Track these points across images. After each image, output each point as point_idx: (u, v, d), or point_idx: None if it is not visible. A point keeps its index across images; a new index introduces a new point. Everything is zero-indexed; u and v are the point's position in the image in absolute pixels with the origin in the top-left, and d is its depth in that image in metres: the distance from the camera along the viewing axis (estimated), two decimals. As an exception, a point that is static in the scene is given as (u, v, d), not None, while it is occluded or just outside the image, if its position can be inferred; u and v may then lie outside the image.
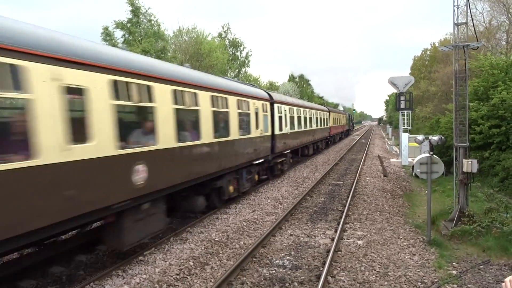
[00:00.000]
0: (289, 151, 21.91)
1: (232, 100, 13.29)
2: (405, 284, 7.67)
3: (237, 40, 51.37)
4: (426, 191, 11.27)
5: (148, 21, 34.01)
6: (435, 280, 7.90)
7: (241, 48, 51.81)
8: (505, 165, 16.83)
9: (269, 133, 17.86)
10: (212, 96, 11.60)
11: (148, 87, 8.29)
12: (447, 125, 21.48)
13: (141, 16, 33.46)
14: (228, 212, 13.10)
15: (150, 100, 8.36)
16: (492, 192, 13.20)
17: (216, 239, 10.25)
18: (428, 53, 56.88)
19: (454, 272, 8.45)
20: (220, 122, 12.30)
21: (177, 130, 9.35)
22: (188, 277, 7.96)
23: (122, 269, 8.22)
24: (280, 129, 19.68)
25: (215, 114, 11.73)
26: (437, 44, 48.12)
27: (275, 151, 18.71)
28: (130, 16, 33.08)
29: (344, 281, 7.77)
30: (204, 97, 11.03)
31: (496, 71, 19.96)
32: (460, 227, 10.78)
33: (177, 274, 8.01)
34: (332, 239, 10.13)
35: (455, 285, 7.74)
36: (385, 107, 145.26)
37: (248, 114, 14.89)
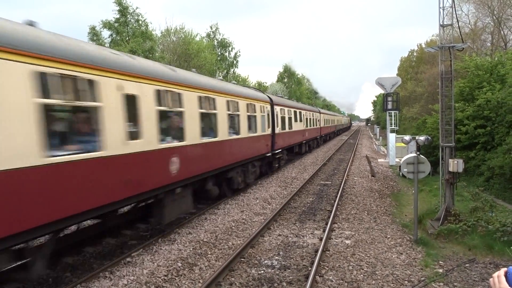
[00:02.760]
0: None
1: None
2: (393, 283, 7.74)
3: (225, 41, 51.22)
4: (413, 191, 11.38)
5: (136, 21, 33.78)
6: (422, 279, 7.99)
7: (230, 48, 51.68)
8: (490, 164, 17.08)
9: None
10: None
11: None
12: (433, 126, 21.74)
13: (128, 16, 33.23)
14: (216, 212, 13.08)
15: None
16: (477, 192, 13.35)
17: (204, 239, 10.22)
18: (414, 54, 57.46)
19: (441, 270, 8.55)
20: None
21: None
22: (177, 278, 7.92)
23: (109, 270, 8.16)
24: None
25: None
26: (423, 45, 48.64)
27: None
28: (118, 16, 32.84)
29: (332, 281, 7.81)
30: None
31: (481, 72, 20.26)
32: (446, 226, 10.91)
33: (165, 275, 7.97)
34: (320, 239, 10.17)
35: (441, 284, 7.83)
36: (373, 108, 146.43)
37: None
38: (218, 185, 13.73)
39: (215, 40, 50.51)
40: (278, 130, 21.08)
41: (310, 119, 33.96)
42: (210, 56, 40.81)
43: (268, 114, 19.36)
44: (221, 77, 27.69)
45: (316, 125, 38.05)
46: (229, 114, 13.70)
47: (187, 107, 10.58)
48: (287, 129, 23.74)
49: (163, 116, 9.59)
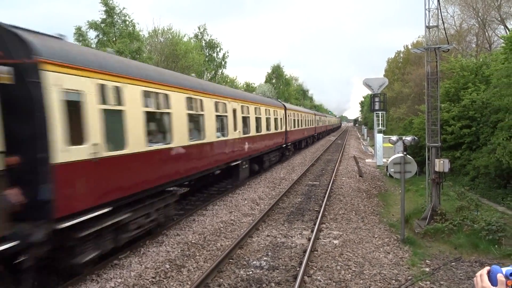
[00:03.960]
0: (320, 133, 53.72)
1: (307, 115, 42.47)
2: (380, 282, 7.79)
3: (213, 41, 51.00)
4: (400, 191, 11.48)
5: (123, 21, 33.47)
6: (409, 278, 8.06)
7: (218, 49, 51.45)
8: (475, 164, 17.31)
9: (314, 126, 46.85)
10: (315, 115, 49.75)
11: (314, 115, 51.31)
12: (420, 126, 21.97)
13: (115, 16, 32.91)
14: (205, 214, 13.03)
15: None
16: (463, 191, 13.53)
17: (192, 241, 10.18)
18: (401, 55, 57.91)
19: (427, 269, 8.63)
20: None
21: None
22: (164, 280, 7.87)
23: (96, 273, 8.07)
24: (317, 125, 50.23)
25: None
26: (409, 47, 49.06)
27: (316, 132, 49.75)
28: (104, 17, 32.52)
29: (320, 281, 7.83)
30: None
31: (467, 73, 20.53)
32: (432, 225, 11.03)
33: (153, 278, 7.91)
34: (309, 239, 10.20)
35: (428, 282, 7.91)
36: (360, 108, 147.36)
37: (312, 120, 47.23)
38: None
39: (203, 41, 50.27)
40: (317, 125, 49.90)
41: (323, 120, 62.74)
42: (198, 57, 40.59)
43: (314, 119, 46.00)
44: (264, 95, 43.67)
45: (325, 124, 66.33)
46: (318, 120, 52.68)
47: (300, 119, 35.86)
48: (318, 125, 51.88)
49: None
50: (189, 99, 11.80)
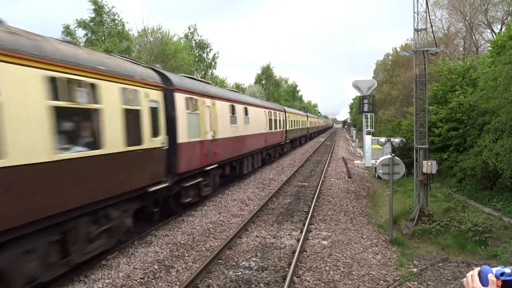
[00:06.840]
0: (318, 131, 74.05)
1: (302, 118, 46.71)
2: (368, 283, 7.84)
3: (204, 42, 50.84)
4: (388, 192, 11.56)
5: (112, 20, 33.27)
6: (397, 278, 8.12)
7: (208, 49, 51.31)
8: (462, 166, 17.51)
9: (307, 126, 50.11)
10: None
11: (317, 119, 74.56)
12: (408, 128, 22.17)
13: (104, 15, 32.70)
14: (194, 214, 12.99)
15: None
16: (450, 192, 13.67)
17: (181, 241, 10.13)
18: (390, 57, 58.35)
19: (415, 270, 8.71)
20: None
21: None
22: (153, 280, 7.83)
23: (84, 274, 7.99)
24: (310, 125, 53.68)
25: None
26: (398, 49, 49.45)
27: (308, 133, 52.61)
28: (93, 15, 32.29)
29: (309, 281, 7.85)
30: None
31: (454, 75, 20.78)
32: (420, 226, 11.13)
33: (142, 278, 7.86)
34: (298, 240, 10.23)
35: (415, 283, 7.98)
36: (349, 110, 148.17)
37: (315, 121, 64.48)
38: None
39: (193, 41, 50.10)
40: (309, 125, 52.40)
41: (315, 121, 67.31)
42: (187, 57, 40.41)
43: (306, 120, 47.76)
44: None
45: (316, 125, 71.17)
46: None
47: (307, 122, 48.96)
48: (310, 126, 53.98)
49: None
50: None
